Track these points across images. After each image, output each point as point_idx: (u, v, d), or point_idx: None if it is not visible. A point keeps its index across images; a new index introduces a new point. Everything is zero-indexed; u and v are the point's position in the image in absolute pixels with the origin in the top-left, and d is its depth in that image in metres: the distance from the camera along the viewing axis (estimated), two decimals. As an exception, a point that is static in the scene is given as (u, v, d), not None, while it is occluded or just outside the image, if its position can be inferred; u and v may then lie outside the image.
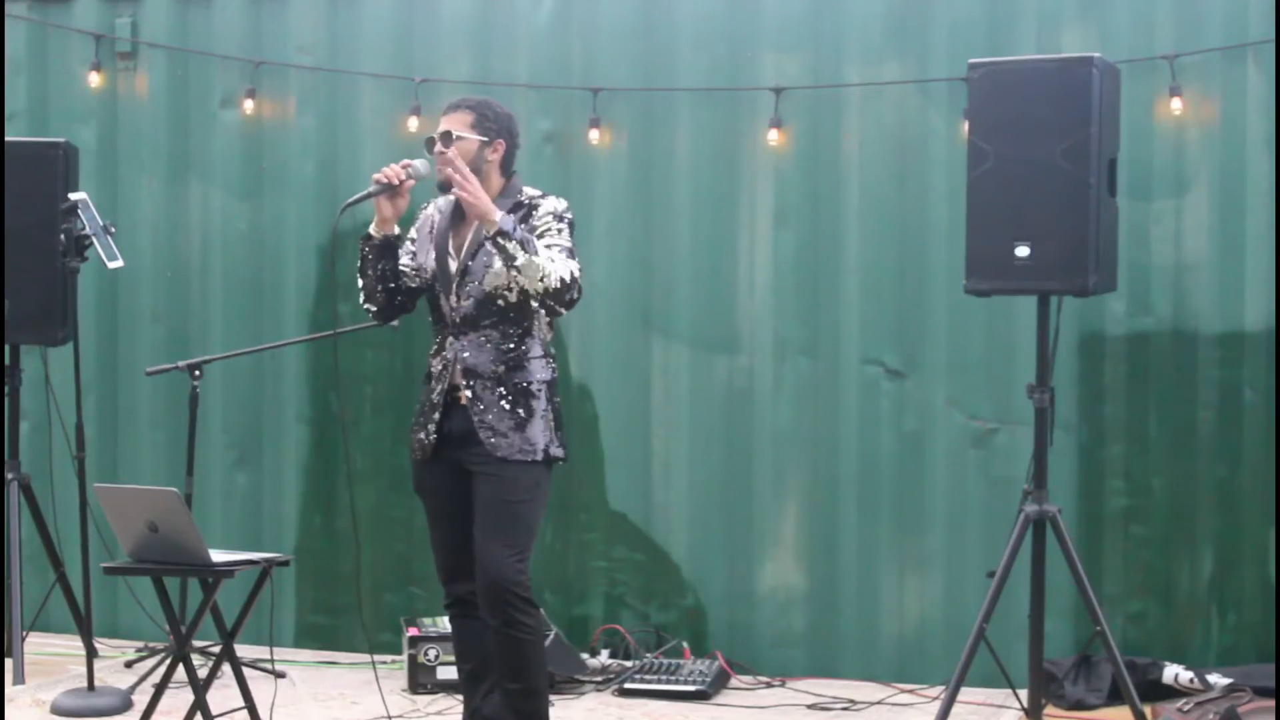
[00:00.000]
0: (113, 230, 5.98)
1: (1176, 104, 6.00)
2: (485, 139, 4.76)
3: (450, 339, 4.75)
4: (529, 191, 4.82)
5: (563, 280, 4.59)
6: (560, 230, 4.72)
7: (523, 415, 4.69)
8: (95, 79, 6.99)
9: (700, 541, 6.51)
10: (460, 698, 5.49)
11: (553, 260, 4.59)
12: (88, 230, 5.88)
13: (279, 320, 6.83)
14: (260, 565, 5.00)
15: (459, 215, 4.82)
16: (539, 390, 4.74)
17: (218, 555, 4.91)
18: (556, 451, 4.76)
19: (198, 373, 6.04)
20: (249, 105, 6.83)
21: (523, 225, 4.68)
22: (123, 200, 6.98)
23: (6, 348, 6.31)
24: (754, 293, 6.46)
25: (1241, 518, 6.06)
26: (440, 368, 4.77)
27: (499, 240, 4.54)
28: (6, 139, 6.29)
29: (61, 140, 6.35)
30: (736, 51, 6.46)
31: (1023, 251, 5.18)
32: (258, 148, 6.88)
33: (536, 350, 4.76)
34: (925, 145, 6.27)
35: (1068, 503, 5.96)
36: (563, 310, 4.68)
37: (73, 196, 5.93)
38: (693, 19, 6.49)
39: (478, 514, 4.70)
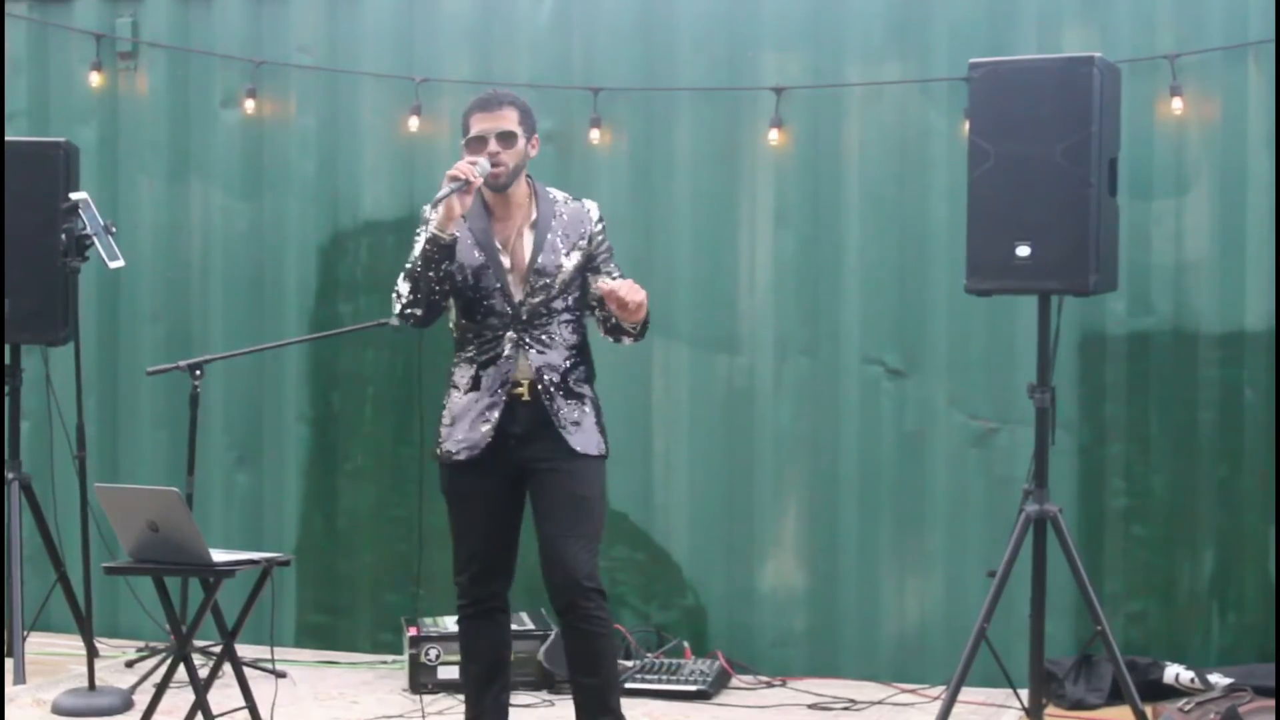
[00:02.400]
0: (113, 230, 5.98)
1: (1177, 104, 6.01)
2: (527, 136, 4.76)
3: (510, 334, 4.69)
4: (554, 192, 4.83)
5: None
6: (611, 248, 4.84)
7: (586, 410, 4.73)
8: (95, 79, 6.99)
9: (700, 541, 6.51)
10: (460, 697, 5.49)
11: None
12: (88, 230, 5.88)
13: (279, 320, 6.83)
14: (260, 565, 5.01)
15: (489, 215, 4.76)
16: (590, 385, 4.78)
17: (218, 555, 4.91)
18: (607, 447, 4.80)
19: (198, 372, 6.03)
20: (249, 105, 6.83)
21: (581, 231, 4.75)
22: (123, 200, 6.98)
23: (7, 348, 6.32)
24: (754, 293, 6.46)
25: (1242, 518, 6.06)
26: (496, 367, 4.69)
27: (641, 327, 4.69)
28: (6, 139, 6.29)
29: (62, 140, 6.35)
30: (736, 51, 6.46)
31: (1023, 251, 5.18)
32: (258, 147, 6.88)
33: (585, 348, 4.79)
34: (926, 145, 6.27)
35: (1068, 502, 5.96)
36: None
37: (73, 196, 5.93)
38: (693, 19, 6.49)
39: (548, 510, 4.67)
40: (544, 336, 4.71)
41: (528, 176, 4.80)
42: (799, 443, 6.42)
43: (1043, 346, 5.31)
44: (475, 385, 4.72)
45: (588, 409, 4.75)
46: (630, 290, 4.55)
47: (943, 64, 6.23)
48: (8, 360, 6.34)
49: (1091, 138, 5.14)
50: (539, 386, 4.68)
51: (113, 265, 5.97)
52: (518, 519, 4.83)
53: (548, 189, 4.83)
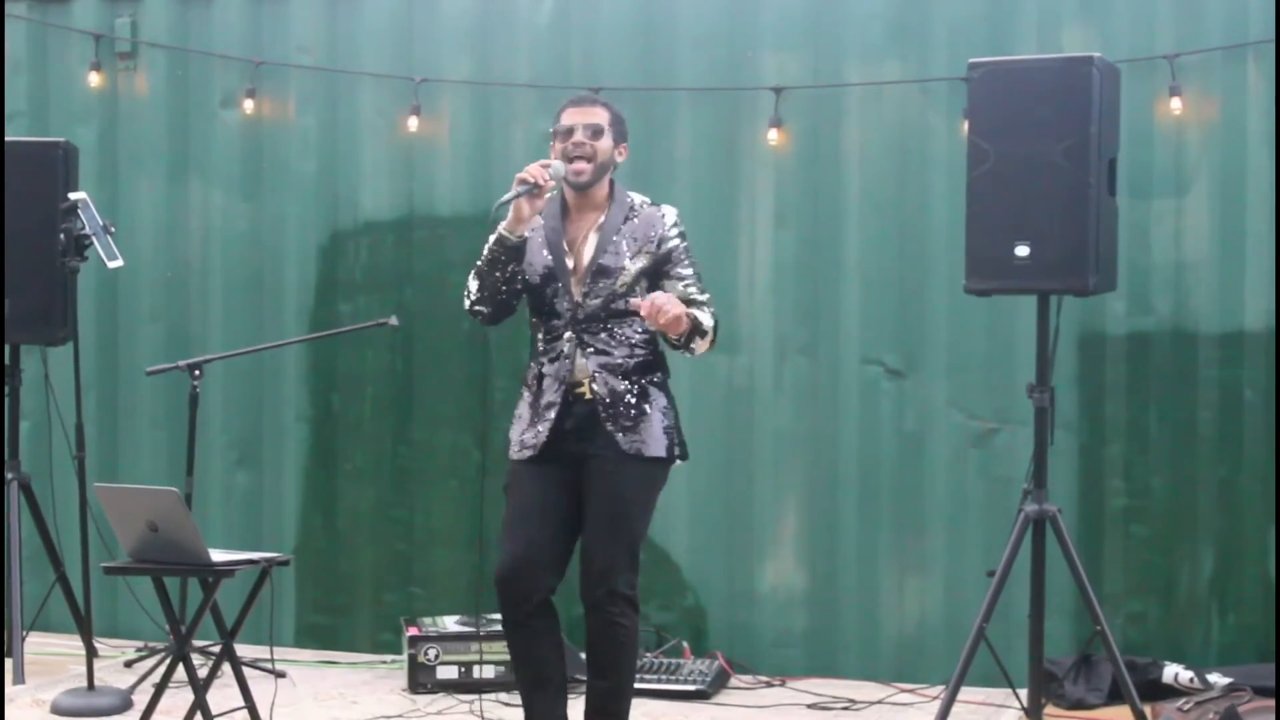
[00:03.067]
0: (113, 230, 5.98)
1: (1176, 104, 6.01)
2: (616, 140, 4.77)
3: (569, 334, 4.69)
4: (634, 197, 4.80)
5: (715, 330, 4.66)
6: (689, 254, 4.76)
7: (646, 411, 4.68)
8: (95, 79, 6.99)
9: (700, 541, 6.51)
10: (460, 697, 5.50)
11: (706, 314, 4.64)
12: (88, 230, 5.87)
13: (279, 320, 6.83)
14: (260, 565, 5.00)
15: (565, 214, 4.77)
16: (658, 386, 4.74)
17: (218, 555, 4.91)
18: (676, 450, 4.76)
19: (198, 373, 6.03)
20: (249, 105, 6.83)
21: (651, 234, 4.70)
22: (123, 200, 6.98)
23: (6, 348, 6.31)
24: (754, 293, 6.46)
25: (1242, 518, 6.06)
26: (556, 365, 4.69)
27: (692, 343, 4.59)
28: (6, 139, 6.29)
29: (61, 140, 6.34)
30: (736, 51, 6.46)
31: (1023, 251, 5.18)
32: (258, 148, 6.89)
33: (652, 347, 4.77)
34: (925, 145, 6.27)
35: (1068, 502, 5.96)
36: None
37: (73, 196, 5.92)
38: (693, 19, 6.49)
39: (592, 511, 4.66)
40: (605, 337, 4.68)
41: (611, 181, 4.79)
42: (799, 443, 6.42)
43: (1042, 346, 5.31)
44: (539, 383, 4.73)
45: (650, 410, 4.69)
46: (649, 309, 4.48)
47: (942, 64, 6.23)
48: (7, 360, 6.34)
49: (1091, 138, 5.13)
50: (595, 387, 4.66)
51: (112, 265, 5.97)
52: (570, 526, 4.75)
53: (629, 194, 4.81)
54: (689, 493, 6.49)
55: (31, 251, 6.13)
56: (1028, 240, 5.18)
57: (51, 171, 6.21)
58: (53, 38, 7.09)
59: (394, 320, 6.18)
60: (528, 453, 4.70)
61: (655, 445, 4.68)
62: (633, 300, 4.58)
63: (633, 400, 4.67)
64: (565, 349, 4.68)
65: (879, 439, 6.33)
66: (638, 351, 4.71)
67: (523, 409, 4.77)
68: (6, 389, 6.33)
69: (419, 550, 6.72)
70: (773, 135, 6.36)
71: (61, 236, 5.90)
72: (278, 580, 5.47)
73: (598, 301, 4.67)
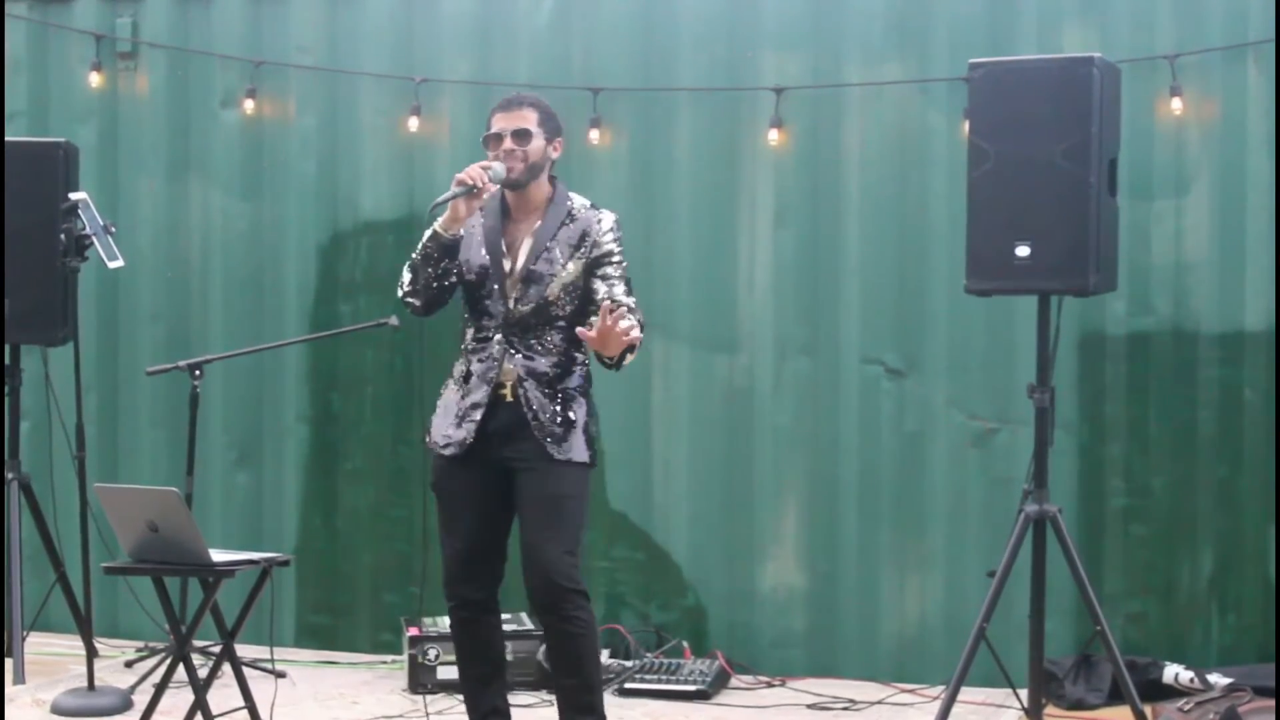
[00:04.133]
0: (113, 230, 5.98)
1: (1176, 104, 6.01)
2: (548, 138, 4.78)
3: (499, 338, 4.73)
4: (576, 200, 4.82)
5: (640, 339, 4.61)
6: (621, 258, 4.75)
7: (571, 418, 4.71)
8: (95, 79, 6.99)
9: (700, 541, 6.51)
10: (460, 697, 5.49)
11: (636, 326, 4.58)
12: (88, 230, 5.88)
13: (279, 320, 6.83)
14: (260, 565, 5.01)
15: (506, 214, 4.80)
16: (582, 394, 4.77)
17: (218, 555, 4.92)
18: (592, 456, 4.78)
19: (198, 372, 6.03)
20: (249, 105, 6.83)
21: (586, 238, 4.71)
22: (123, 200, 6.98)
23: (6, 348, 6.31)
24: (754, 293, 6.46)
25: (1241, 518, 6.06)
26: (484, 366, 4.74)
27: (623, 361, 4.55)
28: (6, 139, 6.29)
29: (61, 140, 6.34)
30: (736, 51, 6.46)
31: (1023, 251, 5.18)
32: (258, 148, 6.89)
33: (578, 356, 4.78)
34: (925, 145, 6.27)
35: (1068, 503, 5.96)
36: None
37: (73, 196, 5.93)
38: (693, 19, 6.49)
39: (526, 512, 4.71)
40: (533, 342, 4.72)
41: (553, 179, 4.82)
42: (799, 443, 6.41)
43: (1042, 346, 5.31)
44: (465, 380, 4.78)
45: (574, 417, 4.72)
46: (599, 340, 4.44)
47: (943, 64, 6.23)
48: (7, 360, 6.34)
49: (1091, 138, 5.13)
50: (520, 391, 4.70)
51: (112, 265, 5.97)
52: (504, 521, 4.85)
53: (570, 196, 4.82)
54: (689, 493, 6.50)
55: (31, 251, 6.13)
56: (1028, 240, 5.18)
57: (52, 171, 6.21)
58: (53, 38, 7.09)
59: (394, 320, 6.18)
60: (453, 449, 4.76)
61: (575, 451, 4.71)
62: (580, 330, 4.55)
63: (558, 408, 4.70)
64: (495, 351, 4.73)
65: (879, 439, 6.33)
66: (564, 359, 4.73)
67: (449, 399, 4.81)
68: (6, 389, 6.33)
69: (419, 550, 6.72)
70: (773, 135, 6.36)
71: (62, 236, 5.91)
72: (278, 580, 5.48)
73: (529, 308, 4.71)
